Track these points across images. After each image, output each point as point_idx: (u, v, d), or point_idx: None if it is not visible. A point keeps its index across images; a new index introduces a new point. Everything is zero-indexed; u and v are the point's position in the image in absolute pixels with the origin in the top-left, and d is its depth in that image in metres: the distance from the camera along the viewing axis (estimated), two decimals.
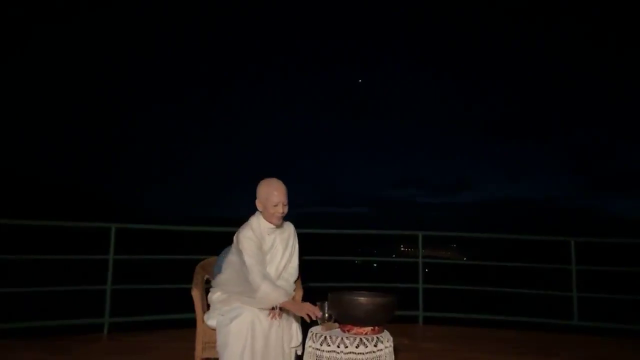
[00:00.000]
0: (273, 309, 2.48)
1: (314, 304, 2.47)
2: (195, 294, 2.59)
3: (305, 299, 2.74)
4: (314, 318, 2.38)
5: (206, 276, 2.80)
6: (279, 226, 2.70)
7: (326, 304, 2.44)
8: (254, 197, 2.65)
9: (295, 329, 2.58)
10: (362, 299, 2.27)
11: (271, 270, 2.63)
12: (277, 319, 2.48)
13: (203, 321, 2.57)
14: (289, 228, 2.80)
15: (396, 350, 3.87)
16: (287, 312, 2.55)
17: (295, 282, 2.80)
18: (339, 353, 2.20)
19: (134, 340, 4.08)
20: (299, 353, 2.54)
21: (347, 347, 2.20)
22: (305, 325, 2.52)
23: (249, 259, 2.50)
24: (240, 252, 2.53)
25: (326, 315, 2.46)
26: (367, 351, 2.19)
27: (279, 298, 2.43)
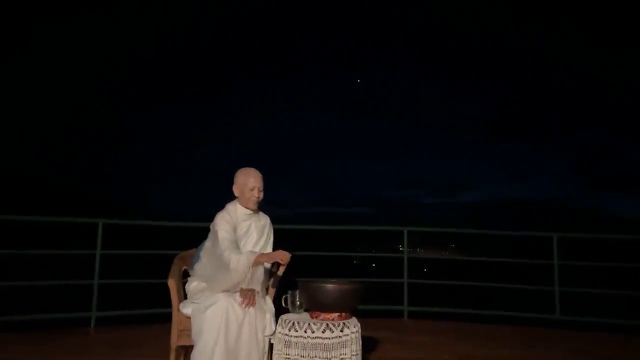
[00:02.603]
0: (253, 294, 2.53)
1: (286, 292, 2.55)
2: (171, 283, 2.67)
3: (281, 291, 2.81)
4: (284, 262, 2.46)
5: (184, 267, 2.88)
6: (255, 212, 2.80)
7: (297, 292, 2.52)
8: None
9: (269, 318, 2.64)
10: (329, 286, 2.35)
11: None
12: (251, 307, 2.54)
13: (178, 310, 2.64)
14: (265, 218, 2.90)
15: (379, 342, 3.96)
16: (261, 300, 2.62)
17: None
18: (305, 338, 2.28)
19: (122, 333, 4.16)
20: (273, 342, 2.61)
21: (313, 332, 2.28)
22: (279, 315, 2.60)
23: (222, 233, 2.59)
24: (215, 234, 2.62)
25: (297, 303, 2.54)
26: (333, 336, 2.27)
27: (249, 258, 2.47)
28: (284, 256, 2.46)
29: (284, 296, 2.60)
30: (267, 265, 2.77)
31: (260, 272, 2.57)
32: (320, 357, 2.25)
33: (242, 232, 2.74)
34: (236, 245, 2.62)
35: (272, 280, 2.83)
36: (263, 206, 2.88)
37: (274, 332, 2.61)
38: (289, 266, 2.57)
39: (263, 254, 2.57)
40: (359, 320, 2.53)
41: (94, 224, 4.53)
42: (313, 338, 2.27)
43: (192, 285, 2.72)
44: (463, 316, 5.28)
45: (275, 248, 2.80)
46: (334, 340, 2.26)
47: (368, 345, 3.77)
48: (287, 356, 2.30)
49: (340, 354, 2.27)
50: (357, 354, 2.34)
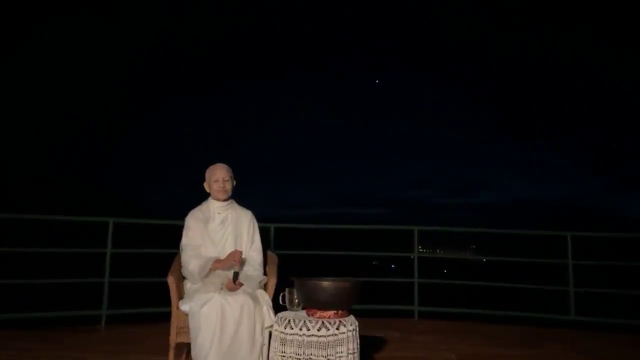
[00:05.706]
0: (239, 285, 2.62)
1: (283, 289, 2.54)
2: (171, 280, 2.68)
3: (279, 288, 2.79)
4: (236, 261, 2.60)
5: None
6: (229, 205, 2.91)
7: (294, 289, 2.50)
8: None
9: (267, 310, 2.63)
10: (325, 283, 2.31)
11: (227, 246, 2.81)
12: (236, 287, 2.61)
13: (177, 307, 2.65)
14: (246, 213, 2.98)
15: (384, 341, 3.92)
16: (257, 293, 2.65)
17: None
18: (301, 335, 2.25)
19: (132, 331, 4.20)
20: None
21: (309, 329, 2.25)
22: (277, 312, 2.58)
23: (184, 240, 2.77)
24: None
25: (295, 300, 2.53)
26: (328, 334, 2.24)
27: (208, 262, 2.65)
28: (234, 256, 2.62)
29: (282, 294, 2.59)
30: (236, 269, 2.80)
31: (215, 275, 2.67)
32: (316, 355, 2.22)
33: (216, 224, 2.85)
34: (197, 250, 2.73)
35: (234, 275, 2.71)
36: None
37: (274, 323, 2.59)
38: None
39: (218, 260, 2.69)
40: (361, 319, 2.49)
41: (105, 223, 4.59)
42: (309, 336, 2.24)
43: (189, 284, 2.74)
44: (474, 316, 5.19)
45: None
46: (330, 338, 2.23)
47: (371, 344, 3.73)
48: (283, 354, 2.28)
49: (337, 352, 2.23)
50: (354, 353, 2.30)
